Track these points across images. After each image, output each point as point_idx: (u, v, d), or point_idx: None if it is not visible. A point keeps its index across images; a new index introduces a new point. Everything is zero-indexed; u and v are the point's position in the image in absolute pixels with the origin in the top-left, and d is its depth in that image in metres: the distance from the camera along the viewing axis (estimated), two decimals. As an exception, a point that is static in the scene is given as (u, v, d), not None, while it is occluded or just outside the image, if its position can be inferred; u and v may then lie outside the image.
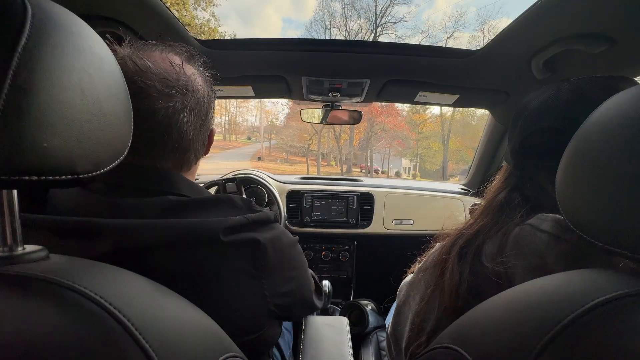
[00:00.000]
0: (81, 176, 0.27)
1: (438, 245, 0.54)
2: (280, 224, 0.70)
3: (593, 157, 0.28)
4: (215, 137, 0.56)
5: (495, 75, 0.97)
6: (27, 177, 0.23)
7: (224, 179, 1.30)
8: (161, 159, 0.46)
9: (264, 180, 1.35)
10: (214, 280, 0.41)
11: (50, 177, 0.25)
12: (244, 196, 1.34)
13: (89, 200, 0.42)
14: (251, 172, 1.40)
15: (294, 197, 1.45)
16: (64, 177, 0.26)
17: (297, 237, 0.58)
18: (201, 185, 1.34)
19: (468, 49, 0.93)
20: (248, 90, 1.12)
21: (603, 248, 0.26)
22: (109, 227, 0.37)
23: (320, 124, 1.37)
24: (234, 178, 1.33)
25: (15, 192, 0.27)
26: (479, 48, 0.90)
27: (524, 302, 0.28)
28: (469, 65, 0.94)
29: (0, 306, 0.22)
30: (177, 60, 0.47)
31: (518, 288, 0.31)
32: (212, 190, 1.35)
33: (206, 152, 0.55)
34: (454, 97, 1.12)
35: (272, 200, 1.37)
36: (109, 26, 0.71)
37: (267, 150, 27.08)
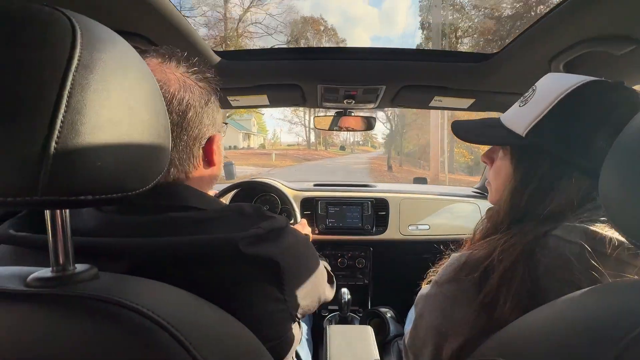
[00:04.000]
0: (130, 193, 0.27)
1: (453, 257, 0.52)
2: None
3: None
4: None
5: (512, 79, 0.96)
6: (82, 197, 0.24)
7: (231, 186, 1.29)
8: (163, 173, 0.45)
9: (278, 188, 1.35)
10: (235, 293, 0.40)
11: (104, 196, 0.25)
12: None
13: (102, 220, 0.42)
14: (264, 179, 1.40)
15: (308, 204, 1.44)
16: (115, 195, 0.26)
17: (308, 235, 0.58)
18: (215, 193, 1.35)
19: (484, 52, 0.92)
20: (263, 99, 1.13)
21: None
22: (124, 247, 0.37)
23: (333, 130, 1.38)
24: (241, 184, 1.33)
25: (68, 212, 0.27)
26: (495, 52, 0.90)
27: (582, 315, 0.27)
28: (485, 69, 0.93)
29: (60, 327, 0.22)
30: (151, 65, 0.44)
31: (570, 299, 0.30)
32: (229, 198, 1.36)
33: (210, 162, 0.51)
34: (470, 101, 1.11)
35: (286, 208, 1.37)
36: (129, 39, 0.73)
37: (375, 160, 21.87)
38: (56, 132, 0.22)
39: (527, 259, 0.42)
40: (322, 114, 1.38)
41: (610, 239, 0.38)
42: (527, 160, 0.50)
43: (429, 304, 0.53)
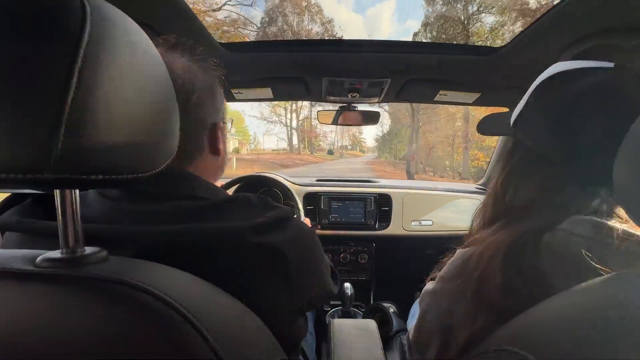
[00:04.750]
0: (140, 175, 0.27)
1: (459, 252, 0.52)
2: None
3: None
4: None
5: (519, 73, 0.95)
6: (93, 177, 0.23)
7: (233, 180, 1.28)
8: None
9: (281, 182, 1.34)
10: (241, 282, 0.40)
11: (114, 177, 0.25)
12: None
13: (107, 208, 0.42)
14: (266, 174, 1.39)
15: (311, 199, 1.44)
16: (125, 176, 0.25)
17: (313, 228, 0.58)
18: (222, 184, 1.35)
19: (491, 45, 0.91)
20: (267, 92, 1.12)
21: None
22: (130, 235, 0.37)
23: (336, 125, 1.37)
24: (244, 178, 1.32)
25: (77, 192, 0.26)
26: (503, 45, 0.89)
27: (596, 303, 0.26)
28: (492, 63, 0.93)
29: (69, 307, 0.22)
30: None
31: (584, 289, 0.29)
32: (231, 192, 1.35)
33: (214, 150, 0.51)
34: (475, 96, 1.11)
35: (289, 204, 1.36)
36: None
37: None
38: (67, 109, 0.21)
39: (515, 254, 0.42)
40: (320, 108, 1.37)
41: (619, 231, 0.38)
42: (509, 149, 0.53)
43: (434, 299, 0.53)
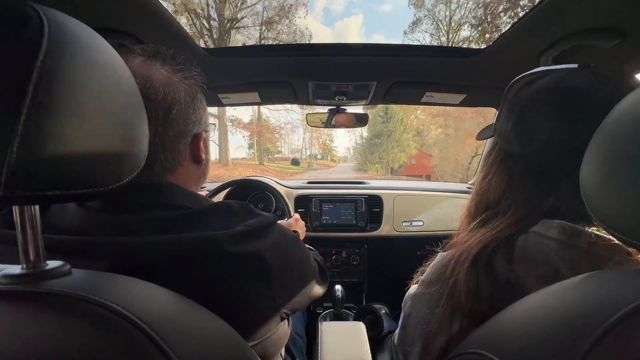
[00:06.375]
0: (102, 189, 0.27)
1: (440, 255, 0.52)
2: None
3: (628, 149, 0.26)
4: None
5: (502, 73, 0.96)
6: (50, 192, 0.23)
7: (223, 185, 1.28)
8: (148, 170, 0.42)
9: (272, 185, 1.34)
10: (221, 292, 0.40)
11: (73, 191, 0.24)
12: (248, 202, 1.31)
13: (84, 218, 0.41)
14: (257, 177, 1.39)
15: (302, 201, 1.44)
16: (85, 190, 0.25)
17: (297, 232, 0.59)
18: (207, 193, 1.34)
19: (475, 47, 0.92)
20: (254, 96, 1.12)
21: None
22: (106, 246, 0.37)
23: (325, 127, 1.37)
24: (234, 183, 1.31)
25: (37, 207, 0.26)
26: (486, 46, 0.90)
27: (560, 306, 0.27)
28: (476, 64, 0.93)
29: (27, 324, 0.22)
30: (135, 63, 0.45)
31: (550, 291, 0.30)
32: (221, 197, 1.35)
33: (197, 159, 0.51)
34: (461, 97, 1.12)
35: (280, 206, 1.36)
36: (117, 37, 0.72)
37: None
38: (20, 126, 0.21)
39: (485, 259, 0.43)
40: (317, 111, 1.37)
41: (587, 234, 0.39)
42: (490, 148, 0.55)
43: (416, 303, 0.54)
